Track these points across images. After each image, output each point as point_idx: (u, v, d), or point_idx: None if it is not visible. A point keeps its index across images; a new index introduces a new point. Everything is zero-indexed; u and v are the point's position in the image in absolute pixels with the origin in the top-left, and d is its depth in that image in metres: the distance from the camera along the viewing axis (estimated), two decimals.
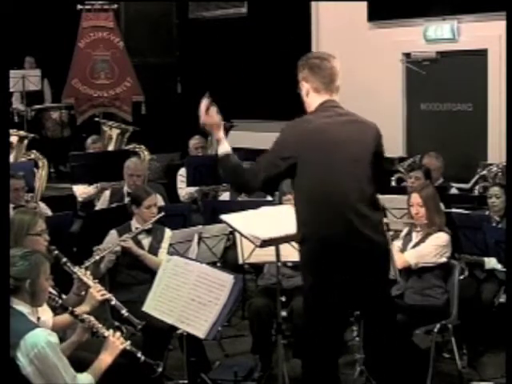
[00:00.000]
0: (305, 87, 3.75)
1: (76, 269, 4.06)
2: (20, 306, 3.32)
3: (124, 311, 4.03)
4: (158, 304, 4.14)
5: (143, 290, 4.51)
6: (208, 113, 3.89)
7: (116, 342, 3.55)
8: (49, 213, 6.07)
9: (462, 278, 5.23)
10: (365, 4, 8.43)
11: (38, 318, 3.48)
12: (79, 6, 9.40)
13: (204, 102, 3.89)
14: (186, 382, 4.35)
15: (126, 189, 6.62)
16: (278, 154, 3.61)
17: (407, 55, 8.19)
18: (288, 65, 10.04)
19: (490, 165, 6.91)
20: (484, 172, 6.83)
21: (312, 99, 3.74)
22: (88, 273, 4.08)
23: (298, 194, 3.64)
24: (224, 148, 3.80)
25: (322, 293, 3.57)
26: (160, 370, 3.71)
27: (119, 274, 5.17)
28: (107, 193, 6.78)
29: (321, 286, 3.57)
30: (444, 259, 4.90)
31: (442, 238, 4.89)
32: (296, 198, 3.67)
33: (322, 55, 3.82)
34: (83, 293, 4.01)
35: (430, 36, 7.95)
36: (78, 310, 3.80)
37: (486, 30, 7.58)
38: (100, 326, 3.64)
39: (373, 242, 3.57)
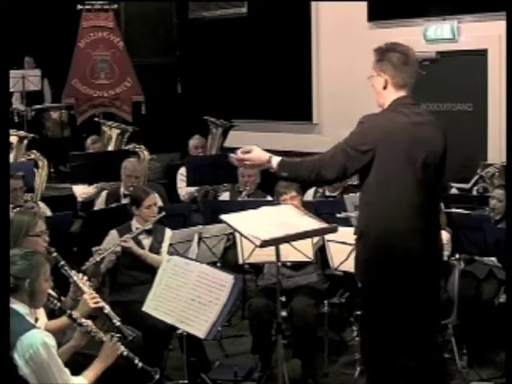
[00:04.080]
0: (383, 79, 3.65)
1: (73, 273, 4.04)
2: (18, 305, 3.31)
3: (116, 320, 3.92)
4: (158, 304, 4.15)
5: (144, 290, 4.51)
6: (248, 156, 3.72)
7: (113, 348, 3.55)
8: (48, 213, 6.06)
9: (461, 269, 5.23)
10: (365, 4, 8.43)
11: (37, 319, 3.46)
12: (79, 6, 9.38)
13: (234, 157, 3.74)
14: (186, 382, 4.35)
15: (122, 190, 6.54)
16: (357, 148, 3.55)
17: None
18: (288, 65, 10.06)
19: (491, 165, 6.91)
20: (483, 172, 6.83)
21: (389, 93, 3.66)
22: (85, 278, 4.04)
23: (369, 188, 3.62)
24: (276, 159, 3.67)
25: (383, 289, 3.60)
26: (157, 376, 3.71)
27: (119, 275, 5.17)
28: (104, 194, 6.74)
29: (381, 282, 3.59)
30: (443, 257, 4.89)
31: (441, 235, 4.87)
32: (364, 193, 3.67)
33: (408, 48, 3.69)
34: (79, 297, 3.97)
35: (430, 36, 7.94)
36: None
37: (486, 29, 7.57)
38: (98, 330, 3.64)
39: (431, 244, 3.64)
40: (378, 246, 3.59)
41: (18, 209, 5.33)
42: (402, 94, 3.66)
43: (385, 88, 3.66)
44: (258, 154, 3.69)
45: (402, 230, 3.55)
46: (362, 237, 3.66)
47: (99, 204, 6.68)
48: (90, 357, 3.58)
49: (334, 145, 3.67)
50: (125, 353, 3.61)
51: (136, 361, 3.65)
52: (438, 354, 4.04)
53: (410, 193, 3.56)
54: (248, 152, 3.70)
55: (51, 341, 3.25)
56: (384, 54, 3.68)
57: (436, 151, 3.64)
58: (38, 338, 3.18)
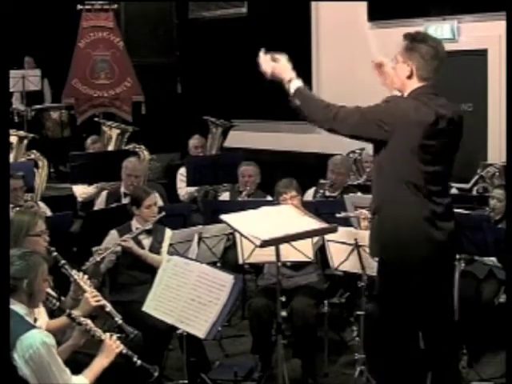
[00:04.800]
0: (409, 68, 3.59)
1: (73, 272, 4.04)
2: (17, 306, 3.31)
3: (118, 319, 3.94)
4: (158, 304, 4.15)
5: (144, 290, 4.50)
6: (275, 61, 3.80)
7: (112, 346, 3.55)
8: (48, 213, 6.06)
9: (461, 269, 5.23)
10: (365, 4, 8.43)
11: (35, 319, 3.46)
12: (79, 6, 9.39)
13: (263, 56, 3.88)
14: (186, 382, 4.35)
15: (122, 189, 6.54)
16: (375, 116, 3.53)
17: None
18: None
19: (490, 165, 6.91)
20: (484, 172, 6.83)
21: (412, 83, 3.61)
22: (85, 277, 4.05)
23: (380, 167, 3.65)
24: (296, 83, 3.73)
25: (394, 269, 3.62)
26: (156, 374, 3.71)
27: (120, 275, 5.17)
28: (104, 194, 6.73)
29: (391, 262, 3.63)
30: None
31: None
32: (377, 170, 3.71)
33: (439, 42, 3.62)
34: (80, 297, 3.98)
35: None
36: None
37: (486, 29, 7.57)
38: (97, 329, 3.64)
39: (441, 234, 3.62)
40: (388, 228, 3.63)
41: (17, 209, 5.34)
42: (424, 84, 3.62)
43: (409, 77, 3.61)
44: (282, 67, 3.75)
45: (411, 216, 3.57)
46: (376, 214, 3.70)
47: (99, 204, 6.67)
48: (89, 356, 3.59)
49: (355, 105, 3.63)
50: (124, 351, 3.61)
51: (135, 358, 3.64)
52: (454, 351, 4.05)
53: (420, 182, 3.57)
54: (276, 60, 3.76)
55: (51, 340, 3.25)
56: (414, 43, 3.60)
57: (452, 143, 3.68)
58: (37, 338, 3.18)
